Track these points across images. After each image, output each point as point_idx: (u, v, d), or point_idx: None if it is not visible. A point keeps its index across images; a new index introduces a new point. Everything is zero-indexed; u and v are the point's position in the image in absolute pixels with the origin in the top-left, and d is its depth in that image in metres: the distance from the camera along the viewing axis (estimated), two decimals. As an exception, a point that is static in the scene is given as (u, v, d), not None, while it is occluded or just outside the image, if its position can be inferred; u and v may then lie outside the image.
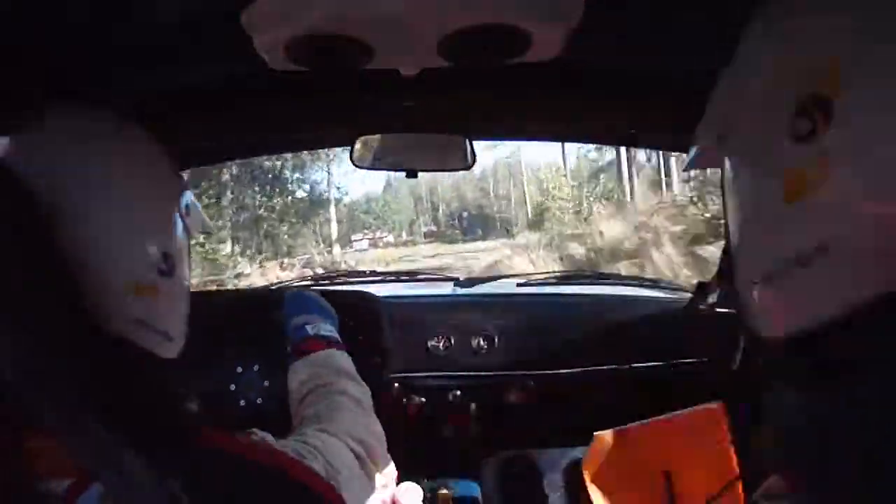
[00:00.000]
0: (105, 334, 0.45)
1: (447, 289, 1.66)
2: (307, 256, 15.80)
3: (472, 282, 1.65)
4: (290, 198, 15.59)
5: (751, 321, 0.43)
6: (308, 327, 0.84)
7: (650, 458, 1.03)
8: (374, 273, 1.75)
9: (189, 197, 0.59)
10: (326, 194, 19.12)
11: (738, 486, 0.93)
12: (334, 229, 20.69)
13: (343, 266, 13.09)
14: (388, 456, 0.69)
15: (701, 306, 0.57)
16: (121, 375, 0.43)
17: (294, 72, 0.59)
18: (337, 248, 19.29)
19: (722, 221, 0.47)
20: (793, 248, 0.36)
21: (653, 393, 1.36)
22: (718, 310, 0.56)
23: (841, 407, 0.35)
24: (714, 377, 1.33)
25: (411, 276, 1.80)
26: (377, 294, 1.38)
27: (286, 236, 15.33)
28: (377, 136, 1.11)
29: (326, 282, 1.67)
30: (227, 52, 0.65)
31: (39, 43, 0.61)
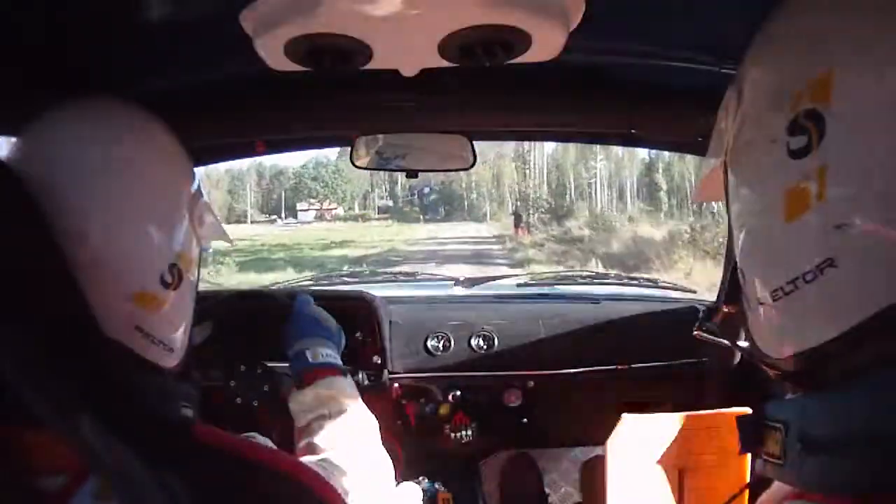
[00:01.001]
0: (105, 337, 0.45)
1: (447, 289, 1.66)
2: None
3: (471, 282, 1.66)
4: None
5: (759, 342, 0.42)
6: (308, 354, 0.82)
7: (669, 452, 1.04)
8: (373, 273, 1.76)
9: (204, 205, 0.56)
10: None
11: (746, 494, 0.93)
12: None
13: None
14: (393, 481, 0.69)
15: (706, 333, 0.56)
16: (119, 378, 0.43)
17: (294, 72, 0.59)
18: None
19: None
20: (799, 265, 0.36)
21: (653, 393, 1.36)
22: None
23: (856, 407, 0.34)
24: (714, 377, 1.33)
25: (411, 276, 1.80)
26: (377, 294, 1.38)
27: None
28: (377, 136, 1.11)
29: (326, 282, 1.67)
30: (227, 52, 0.65)
31: (39, 43, 0.61)
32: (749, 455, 0.98)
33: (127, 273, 0.48)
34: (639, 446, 1.04)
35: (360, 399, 0.79)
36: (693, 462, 1.03)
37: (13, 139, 0.48)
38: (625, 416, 1.06)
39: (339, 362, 0.85)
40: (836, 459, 0.34)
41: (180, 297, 0.52)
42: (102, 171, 0.47)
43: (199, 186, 0.56)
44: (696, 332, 0.60)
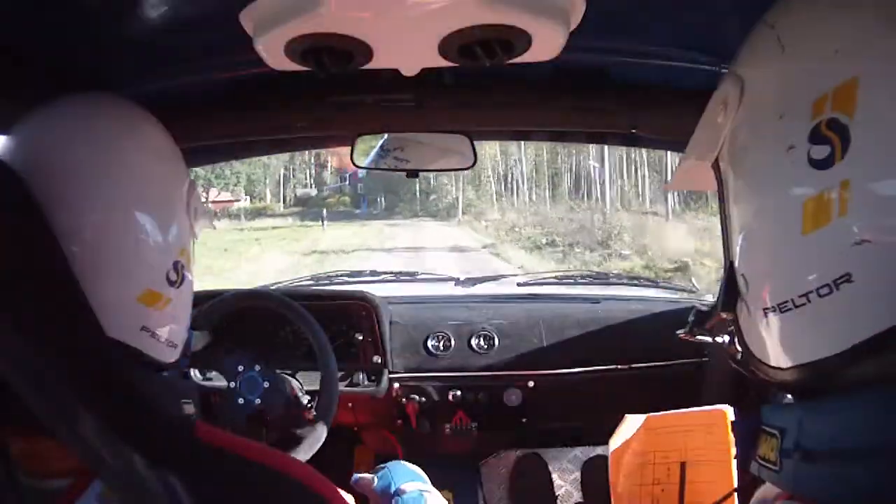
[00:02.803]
0: (106, 338, 0.45)
1: (447, 289, 1.66)
2: None
3: (471, 281, 1.66)
4: None
5: (757, 350, 0.41)
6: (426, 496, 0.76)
7: (671, 446, 1.05)
8: (373, 273, 1.76)
9: (198, 195, 0.55)
10: None
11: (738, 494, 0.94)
12: None
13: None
14: None
15: (698, 336, 0.54)
16: (121, 377, 0.43)
17: (294, 72, 0.59)
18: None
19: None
20: (814, 279, 0.35)
21: (653, 393, 1.36)
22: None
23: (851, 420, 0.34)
24: (714, 377, 1.33)
25: (411, 276, 1.80)
26: (377, 294, 1.38)
27: None
28: (377, 136, 1.11)
29: (326, 281, 1.67)
30: (227, 51, 0.65)
31: (39, 42, 0.61)
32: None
33: (133, 273, 0.47)
34: (641, 442, 1.05)
35: None
36: (694, 457, 1.03)
37: (4, 136, 0.48)
38: (627, 416, 1.06)
39: None
40: (835, 471, 0.34)
41: (183, 294, 0.52)
42: (101, 168, 0.47)
43: (191, 177, 0.56)
44: (682, 335, 0.58)
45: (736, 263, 0.42)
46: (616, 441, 1.07)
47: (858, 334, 0.33)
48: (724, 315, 0.44)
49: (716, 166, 0.45)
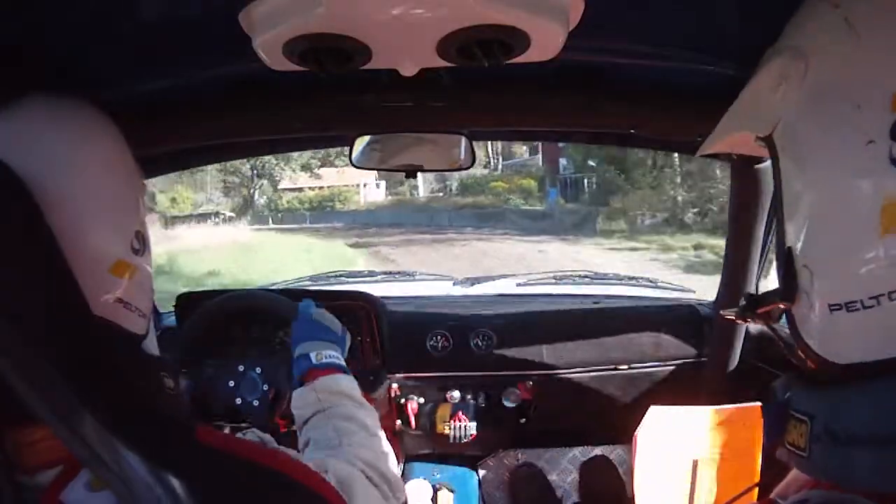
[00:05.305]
0: (90, 318, 0.46)
1: (446, 289, 1.66)
2: None
3: (470, 281, 1.66)
4: None
5: (814, 343, 0.40)
6: (312, 356, 0.83)
7: (686, 443, 1.05)
8: (373, 273, 1.76)
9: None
10: None
11: (755, 491, 0.95)
12: None
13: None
14: (400, 479, 0.68)
15: (747, 318, 0.53)
16: (111, 362, 0.43)
17: (294, 72, 0.59)
18: None
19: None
20: (888, 282, 0.34)
21: (652, 393, 1.36)
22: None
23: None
24: (713, 377, 1.33)
25: (410, 275, 1.80)
26: (376, 294, 1.38)
27: None
28: (377, 136, 1.11)
29: (325, 281, 1.67)
30: (228, 52, 0.65)
31: (38, 42, 0.61)
32: (760, 450, 1.00)
33: (104, 246, 0.50)
34: (662, 436, 1.06)
35: (360, 395, 0.79)
36: (707, 454, 1.05)
37: None
38: (653, 408, 1.07)
39: (342, 363, 0.85)
40: (865, 455, 0.34)
41: (146, 262, 0.55)
42: (71, 156, 0.49)
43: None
44: (729, 316, 0.56)
45: (797, 252, 0.41)
46: (642, 431, 1.07)
47: None
48: (782, 305, 0.43)
49: (769, 142, 0.43)
